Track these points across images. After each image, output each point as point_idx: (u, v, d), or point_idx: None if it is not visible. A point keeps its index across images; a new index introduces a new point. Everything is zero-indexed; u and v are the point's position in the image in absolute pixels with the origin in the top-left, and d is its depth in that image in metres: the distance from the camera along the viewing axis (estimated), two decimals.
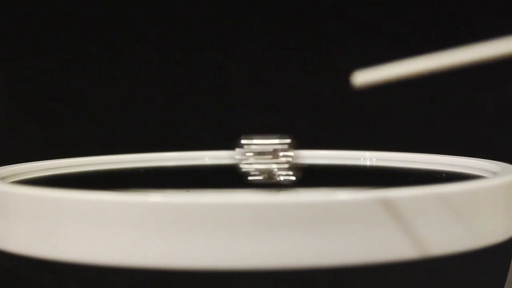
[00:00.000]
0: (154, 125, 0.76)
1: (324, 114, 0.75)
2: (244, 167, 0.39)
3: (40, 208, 0.30)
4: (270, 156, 0.39)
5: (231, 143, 0.41)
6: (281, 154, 0.39)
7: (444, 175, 0.42)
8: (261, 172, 0.39)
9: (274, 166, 0.39)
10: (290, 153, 0.39)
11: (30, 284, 0.74)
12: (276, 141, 0.39)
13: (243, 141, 0.39)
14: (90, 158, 0.46)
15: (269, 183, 0.39)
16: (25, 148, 0.74)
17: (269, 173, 0.39)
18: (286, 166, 0.39)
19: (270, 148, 0.39)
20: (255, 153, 0.39)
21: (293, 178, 0.39)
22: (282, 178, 0.39)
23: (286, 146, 0.39)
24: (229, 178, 0.40)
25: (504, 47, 0.33)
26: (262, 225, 0.28)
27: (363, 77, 0.34)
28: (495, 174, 0.38)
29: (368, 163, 0.47)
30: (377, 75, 0.34)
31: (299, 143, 0.42)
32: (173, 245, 0.28)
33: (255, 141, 0.39)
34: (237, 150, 0.39)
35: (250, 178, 0.39)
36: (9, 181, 0.39)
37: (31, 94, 0.75)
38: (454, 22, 0.74)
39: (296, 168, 0.39)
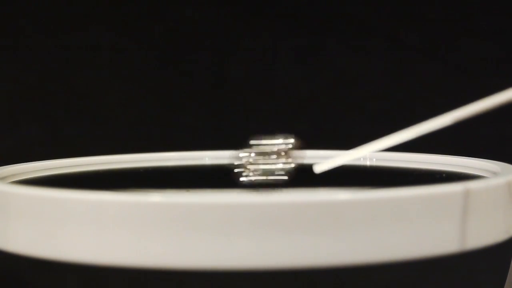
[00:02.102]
0: (154, 125, 0.76)
1: (324, 114, 0.75)
2: (245, 167, 0.39)
3: (40, 208, 0.30)
4: (272, 157, 0.39)
5: (231, 143, 0.41)
6: (283, 154, 0.39)
7: (444, 175, 0.42)
8: (262, 172, 0.39)
9: (276, 166, 0.39)
10: (293, 153, 0.39)
11: (30, 284, 0.74)
12: (280, 141, 0.40)
13: (250, 142, 0.39)
14: (90, 158, 0.46)
15: (269, 183, 0.39)
16: (25, 148, 0.74)
17: (269, 173, 0.39)
18: (288, 166, 0.39)
19: (273, 148, 0.39)
20: (256, 153, 0.39)
21: (291, 177, 0.39)
22: (280, 177, 0.39)
23: (289, 146, 0.40)
24: (229, 178, 0.40)
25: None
26: (262, 225, 0.28)
27: (321, 167, 0.38)
28: (495, 174, 0.38)
29: (368, 163, 0.47)
30: (332, 164, 0.38)
31: (299, 143, 0.42)
32: (173, 245, 0.28)
33: (257, 141, 0.39)
34: (238, 150, 0.39)
35: (249, 178, 0.39)
36: (9, 181, 0.39)
37: (31, 94, 0.75)
38: (454, 22, 0.74)
39: (297, 168, 0.40)
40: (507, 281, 0.40)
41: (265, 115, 0.75)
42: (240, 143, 0.40)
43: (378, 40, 0.75)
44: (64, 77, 0.75)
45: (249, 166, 0.39)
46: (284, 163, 0.39)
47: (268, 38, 0.75)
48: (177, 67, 0.76)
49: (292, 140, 0.40)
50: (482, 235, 0.31)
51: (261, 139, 0.40)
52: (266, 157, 0.39)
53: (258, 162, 0.39)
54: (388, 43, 0.74)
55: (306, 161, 0.41)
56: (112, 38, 0.75)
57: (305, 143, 0.43)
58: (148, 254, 0.29)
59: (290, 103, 0.76)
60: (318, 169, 0.38)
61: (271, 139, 0.40)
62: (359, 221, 0.29)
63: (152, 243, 0.28)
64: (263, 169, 0.39)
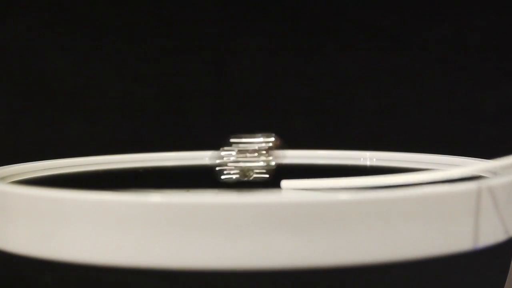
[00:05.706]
0: (154, 125, 0.76)
1: (324, 114, 0.75)
2: (225, 166, 0.39)
3: (40, 208, 0.30)
4: (253, 155, 0.39)
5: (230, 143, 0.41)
6: (264, 152, 0.39)
7: None
8: (242, 171, 0.39)
9: (256, 164, 0.39)
10: (273, 152, 0.39)
11: (30, 284, 0.74)
12: (260, 139, 0.40)
13: (231, 140, 0.40)
14: (90, 158, 0.46)
15: (250, 182, 0.39)
16: (25, 148, 0.74)
17: (249, 172, 0.39)
18: (267, 165, 0.39)
19: (254, 146, 0.40)
20: (237, 152, 0.39)
21: (268, 176, 0.39)
22: (258, 176, 0.39)
23: (270, 145, 0.40)
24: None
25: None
26: (262, 225, 0.28)
27: (289, 184, 0.37)
28: (495, 174, 0.38)
29: (368, 163, 0.47)
30: (301, 184, 0.37)
31: (299, 143, 0.42)
32: (173, 245, 0.28)
33: (239, 139, 0.40)
34: (220, 149, 0.39)
35: (230, 176, 0.39)
36: (9, 181, 0.39)
37: (31, 94, 0.75)
38: (453, 22, 0.74)
39: (276, 166, 0.40)
40: (507, 281, 0.40)
41: (265, 115, 0.75)
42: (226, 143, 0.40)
43: (378, 40, 0.75)
44: (64, 77, 0.75)
45: (229, 165, 0.39)
46: (264, 161, 0.39)
47: (268, 38, 0.75)
48: (177, 67, 0.76)
49: (272, 139, 0.40)
50: (482, 235, 0.31)
51: (241, 137, 0.40)
52: (247, 155, 0.39)
53: (239, 161, 0.39)
54: (388, 44, 0.74)
55: (306, 161, 0.41)
56: (112, 38, 0.75)
57: (305, 143, 0.43)
58: (148, 254, 0.29)
59: (289, 103, 0.76)
60: (285, 185, 0.38)
61: (251, 137, 0.40)
62: (359, 221, 0.29)
63: (152, 243, 0.28)
64: (243, 168, 0.39)
